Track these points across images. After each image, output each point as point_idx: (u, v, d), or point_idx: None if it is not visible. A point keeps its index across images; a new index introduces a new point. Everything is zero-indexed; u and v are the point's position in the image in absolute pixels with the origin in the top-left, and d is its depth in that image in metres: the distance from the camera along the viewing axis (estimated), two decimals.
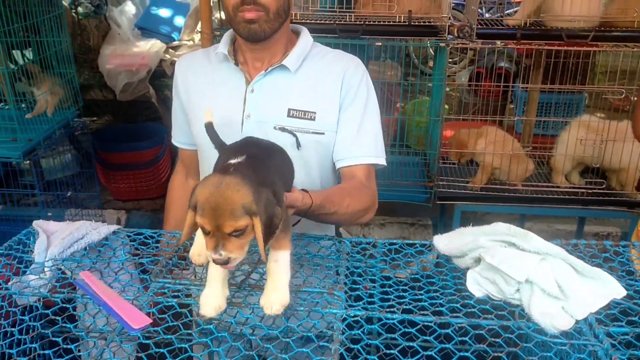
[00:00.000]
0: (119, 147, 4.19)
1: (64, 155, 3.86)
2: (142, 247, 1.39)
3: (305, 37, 1.63)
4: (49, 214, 3.32)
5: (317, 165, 1.59)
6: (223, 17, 3.98)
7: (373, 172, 1.61)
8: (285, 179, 1.23)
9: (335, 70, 1.58)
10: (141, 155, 4.16)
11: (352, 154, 1.56)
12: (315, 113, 1.54)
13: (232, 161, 1.09)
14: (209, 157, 1.60)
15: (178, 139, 1.77)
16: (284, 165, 1.26)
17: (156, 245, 1.42)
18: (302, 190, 1.30)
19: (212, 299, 1.10)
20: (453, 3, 2.74)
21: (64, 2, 3.99)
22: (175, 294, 1.16)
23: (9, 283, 1.20)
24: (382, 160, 1.59)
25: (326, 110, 1.56)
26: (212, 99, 1.59)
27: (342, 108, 1.57)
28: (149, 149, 4.19)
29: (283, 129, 1.53)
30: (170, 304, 1.12)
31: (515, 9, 4.51)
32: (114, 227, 1.44)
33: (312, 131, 1.54)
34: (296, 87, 1.56)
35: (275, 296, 1.08)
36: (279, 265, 1.10)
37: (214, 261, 1.01)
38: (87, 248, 1.36)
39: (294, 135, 1.53)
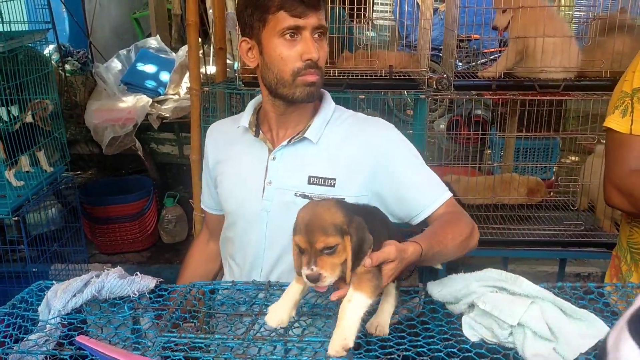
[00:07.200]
0: (104, 200, 4.22)
1: (50, 210, 3.86)
2: (145, 302, 1.41)
3: (328, 103, 1.66)
4: (34, 269, 3.30)
5: None
6: (210, 72, 4.07)
7: (454, 202, 1.61)
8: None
9: (359, 136, 1.60)
10: (127, 208, 4.18)
11: (433, 198, 1.56)
12: (335, 179, 1.56)
13: None
14: (234, 223, 1.67)
15: (206, 203, 1.87)
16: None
17: (157, 300, 1.44)
18: (408, 241, 1.31)
19: (278, 313, 1.22)
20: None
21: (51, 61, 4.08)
22: (181, 347, 1.19)
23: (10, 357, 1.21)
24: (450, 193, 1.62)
25: (347, 176, 1.57)
26: (235, 167, 1.66)
27: (385, 168, 1.57)
28: (135, 202, 4.22)
29: (304, 196, 1.55)
30: (177, 357, 1.14)
31: (485, 60, 4.72)
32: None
33: (332, 196, 1.50)
34: (317, 155, 1.59)
35: (337, 337, 1.09)
36: (351, 306, 1.11)
37: (307, 277, 1.11)
38: (89, 303, 1.38)
39: None
